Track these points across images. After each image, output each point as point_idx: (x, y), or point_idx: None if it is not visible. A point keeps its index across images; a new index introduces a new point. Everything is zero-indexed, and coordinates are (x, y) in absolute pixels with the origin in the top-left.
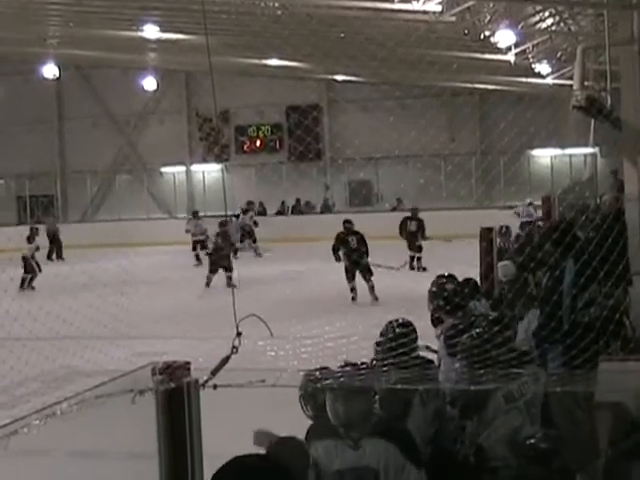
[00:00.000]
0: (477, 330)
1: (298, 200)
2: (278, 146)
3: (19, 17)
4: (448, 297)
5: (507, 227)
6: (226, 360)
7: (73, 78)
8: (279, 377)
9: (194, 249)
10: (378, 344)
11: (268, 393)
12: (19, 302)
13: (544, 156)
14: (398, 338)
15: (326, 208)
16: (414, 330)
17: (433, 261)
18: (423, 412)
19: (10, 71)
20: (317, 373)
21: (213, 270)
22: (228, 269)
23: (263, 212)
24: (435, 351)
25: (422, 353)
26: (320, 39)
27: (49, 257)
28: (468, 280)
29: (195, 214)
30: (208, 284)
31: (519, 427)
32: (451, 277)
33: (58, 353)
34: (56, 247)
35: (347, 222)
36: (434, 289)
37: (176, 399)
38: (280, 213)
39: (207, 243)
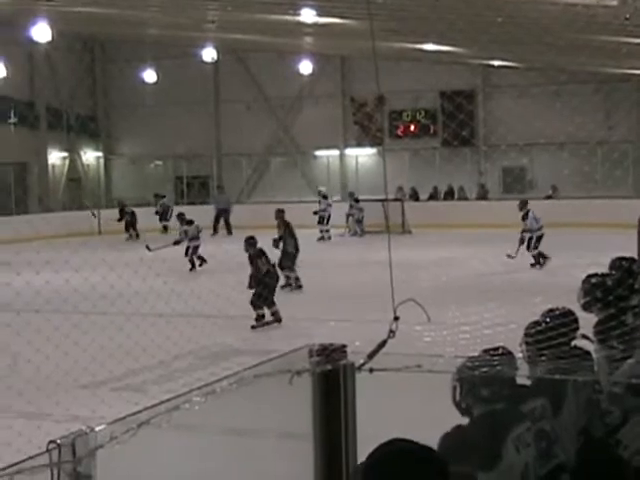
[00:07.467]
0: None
1: (451, 187)
2: (432, 131)
3: (180, 2)
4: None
5: None
6: (383, 344)
7: (230, 62)
8: (435, 363)
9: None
10: (529, 335)
11: (424, 379)
12: (185, 281)
13: None
14: (557, 327)
15: (481, 194)
16: (575, 320)
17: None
18: (576, 400)
19: (171, 54)
20: (487, 356)
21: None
22: None
23: (415, 197)
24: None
25: (580, 343)
26: (477, 24)
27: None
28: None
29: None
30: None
31: None
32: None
33: (218, 331)
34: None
35: None
36: (593, 281)
37: (332, 381)
38: (432, 198)
39: None
